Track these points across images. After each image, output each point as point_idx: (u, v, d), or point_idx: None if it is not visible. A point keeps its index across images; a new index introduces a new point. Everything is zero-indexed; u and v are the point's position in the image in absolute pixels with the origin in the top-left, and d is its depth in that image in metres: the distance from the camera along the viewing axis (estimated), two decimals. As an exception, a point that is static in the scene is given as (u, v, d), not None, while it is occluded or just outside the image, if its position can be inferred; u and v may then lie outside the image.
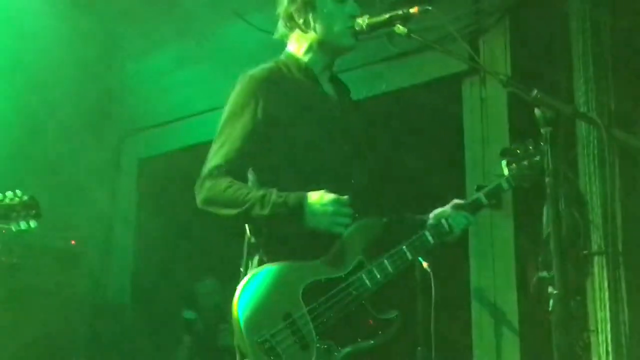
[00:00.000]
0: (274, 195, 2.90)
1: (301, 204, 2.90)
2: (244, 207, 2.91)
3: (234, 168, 3.00)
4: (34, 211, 4.14)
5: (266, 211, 2.88)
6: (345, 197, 2.93)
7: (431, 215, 3.27)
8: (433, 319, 4.39)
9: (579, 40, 4.53)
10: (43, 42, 6.00)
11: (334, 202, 2.90)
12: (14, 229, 4.12)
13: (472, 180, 4.90)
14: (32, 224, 4.15)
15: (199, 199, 3.00)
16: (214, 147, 3.05)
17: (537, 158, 3.19)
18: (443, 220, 3.18)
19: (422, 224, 3.22)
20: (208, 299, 6.21)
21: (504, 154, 3.29)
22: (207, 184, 2.97)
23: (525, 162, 3.24)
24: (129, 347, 6.31)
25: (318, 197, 2.90)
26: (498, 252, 4.86)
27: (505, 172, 3.27)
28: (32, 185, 4.47)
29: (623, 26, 4.48)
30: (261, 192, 2.92)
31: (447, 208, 3.26)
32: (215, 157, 3.02)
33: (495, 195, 3.28)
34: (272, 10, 3.35)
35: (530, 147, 3.23)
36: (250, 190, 2.95)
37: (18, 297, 5.68)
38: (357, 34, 3.16)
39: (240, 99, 3.08)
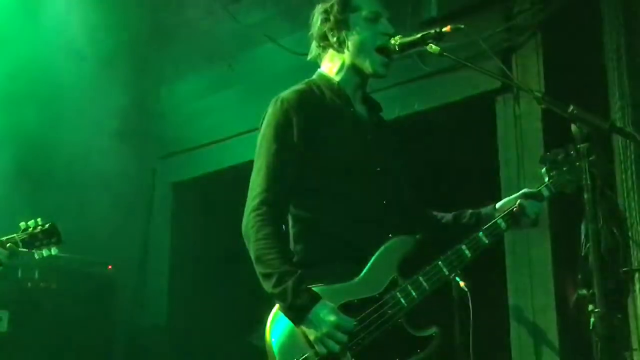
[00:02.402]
0: (290, 281, 2.84)
1: (306, 309, 2.82)
2: (262, 270, 2.89)
3: (275, 198, 2.98)
4: (55, 238, 4.30)
5: (276, 290, 2.84)
6: (351, 323, 2.83)
7: (497, 205, 3.25)
8: (472, 339, 4.34)
9: (613, 54, 4.49)
10: (76, 70, 6.07)
11: (334, 324, 2.79)
12: (37, 256, 4.27)
13: (507, 198, 4.85)
14: (54, 250, 4.31)
15: (242, 227, 3.01)
16: (254, 176, 3.05)
17: (579, 163, 3.10)
18: (499, 220, 3.14)
19: (480, 220, 3.19)
20: None
21: (543, 160, 3.23)
22: (251, 221, 2.95)
23: (566, 168, 3.19)
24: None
25: (324, 312, 2.81)
26: (536, 271, 4.80)
27: (546, 179, 3.21)
28: (66, 213, 4.55)
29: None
30: (285, 268, 2.87)
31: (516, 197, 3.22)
32: (257, 188, 3.00)
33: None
34: (303, 32, 3.37)
35: (572, 152, 3.16)
36: (280, 254, 2.91)
37: (57, 322, 5.72)
38: (388, 63, 3.16)
39: (273, 124, 3.08)
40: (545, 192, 3.21)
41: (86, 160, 6.25)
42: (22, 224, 4.27)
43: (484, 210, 3.27)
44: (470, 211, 3.30)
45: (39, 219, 4.30)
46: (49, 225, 4.30)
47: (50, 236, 4.29)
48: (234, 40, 6.42)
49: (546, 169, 3.21)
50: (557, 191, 3.21)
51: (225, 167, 6.52)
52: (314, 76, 3.28)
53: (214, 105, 6.70)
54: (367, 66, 3.16)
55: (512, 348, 4.89)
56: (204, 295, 6.56)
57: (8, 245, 4.16)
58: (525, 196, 3.21)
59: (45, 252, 4.30)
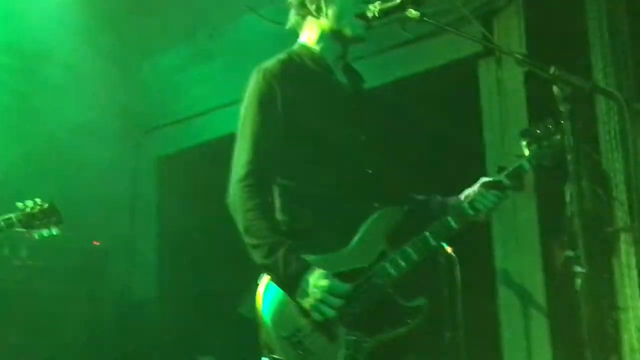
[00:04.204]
0: (281, 251, 2.86)
1: (297, 277, 2.83)
2: (251, 241, 2.90)
3: (261, 168, 2.98)
4: (54, 218, 4.24)
5: (267, 261, 2.86)
6: (344, 287, 2.84)
7: (462, 196, 3.22)
8: (460, 303, 4.37)
9: (594, 15, 4.48)
10: (58, 44, 6.01)
11: (327, 289, 2.81)
12: (37, 236, 4.21)
13: (492, 162, 4.87)
14: (55, 230, 4.25)
15: (228, 201, 3.00)
16: (239, 147, 3.04)
17: (558, 136, 3.13)
18: (465, 204, 3.14)
19: (447, 208, 3.18)
20: None
21: (523, 134, 3.24)
22: (238, 192, 2.95)
23: (546, 142, 3.20)
24: (157, 344, 6.36)
25: (315, 278, 2.82)
26: (522, 234, 4.82)
27: (526, 152, 3.22)
28: (51, 189, 4.51)
29: (639, -1, 4.42)
30: (274, 239, 2.89)
31: (474, 188, 3.20)
32: (243, 158, 2.99)
33: (517, 177, 3.24)
34: (283, 1, 3.34)
35: (550, 126, 3.18)
36: (269, 224, 2.93)
37: (45, 299, 5.71)
38: (368, 25, 3.14)
39: (257, 94, 3.07)
40: (526, 166, 3.21)
41: (69, 135, 6.21)
42: (20, 204, 4.21)
43: (450, 201, 3.23)
44: (439, 198, 3.29)
45: (37, 199, 4.23)
46: (48, 205, 4.23)
47: (49, 216, 4.23)
48: (215, 11, 6.36)
49: (526, 142, 3.22)
50: (537, 164, 3.21)
51: (210, 139, 6.49)
52: (294, 46, 3.26)
53: (197, 78, 6.66)
54: (347, 31, 3.15)
55: (499, 311, 4.92)
56: (193, 268, 6.56)
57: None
58: (484, 186, 3.20)
59: (45, 232, 4.23)
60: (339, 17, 3.14)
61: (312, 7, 3.17)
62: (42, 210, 4.21)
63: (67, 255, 6.00)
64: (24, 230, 4.20)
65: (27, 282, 5.69)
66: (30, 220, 4.20)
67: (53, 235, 4.26)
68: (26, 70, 6.00)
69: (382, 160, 3.17)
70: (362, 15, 3.11)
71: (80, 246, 6.18)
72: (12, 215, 4.18)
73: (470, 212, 3.11)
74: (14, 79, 5.95)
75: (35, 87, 6.07)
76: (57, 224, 4.25)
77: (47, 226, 4.23)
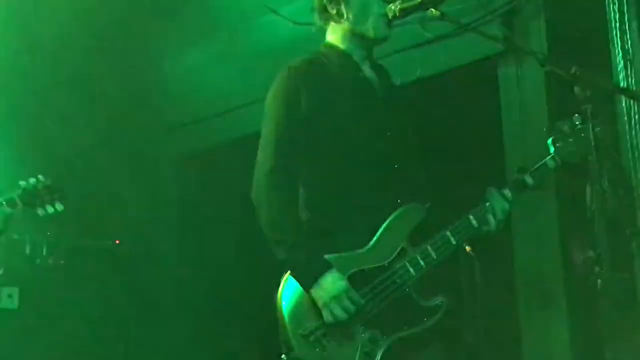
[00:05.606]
0: (305, 248, 2.90)
1: (318, 275, 2.87)
2: (275, 236, 2.94)
3: (287, 163, 3.02)
4: (57, 194, 4.17)
5: (290, 256, 2.90)
6: (357, 298, 2.87)
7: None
8: (478, 303, 4.36)
9: (615, 14, 4.45)
10: (79, 43, 6.05)
11: (343, 290, 2.85)
12: (40, 214, 4.16)
13: (511, 162, 4.85)
14: (58, 206, 4.18)
15: (253, 194, 3.02)
16: (264, 141, 3.07)
17: (584, 134, 3.11)
18: (486, 205, 3.13)
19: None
20: None
21: (550, 131, 3.24)
22: (264, 185, 2.99)
23: (572, 139, 3.19)
24: (175, 345, 6.39)
25: (335, 277, 2.86)
26: (542, 234, 4.80)
27: (552, 149, 3.22)
28: (70, 188, 4.49)
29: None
30: (298, 236, 2.93)
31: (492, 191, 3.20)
32: (268, 152, 3.02)
33: (541, 175, 3.23)
34: (303, 1, 3.36)
35: (577, 123, 3.16)
36: (294, 220, 2.97)
37: (66, 298, 5.74)
38: (390, 23, 3.16)
39: (282, 90, 3.10)
40: (551, 163, 3.21)
41: (89, 134, 6.24)
42: (22, 183, 4.15)
43: None
44: None
45: (40, 176, 4.17)
46: (51, 182, 4.18)
47: (52, 192, 4.17)
48: (235, 11, 6.38)
49: (552, 139, 3.22)
50: (563, 161, 3.21)
51: (231, 138, 6.51)
52: (321, 47, 3.29)
53: (218, 77, 6.67)
54: (370, 32, 3.18)
55: (520, 312, 4.90)
56: (214, 268, 6.57)
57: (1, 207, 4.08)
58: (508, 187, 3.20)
59: (49, 209, 4.17)
60: (360, 19, 3.17)
61: (333, 12, 3.20)
62: (44, 187, 4.16)
63: (88, 254, 6.03)
64: (28, 208, 4.14)
65: (48, 281, 5.71)
66: (32, 198, 4.14)
67: (57, 211, 4.20)
68: (47, 69, 6.03)
69: (409, 157, 3.18)
70: (383, 15, 3.13)
71: (101, 245, 6.20)
72: (13, 194, 4.14)
73: (489, 213, 3.11)
74: (34, 78, 5.99)
75: (57, 88, 6.10)
76: (61, 199, 4.19)
77: (51, 202, 4.18)
